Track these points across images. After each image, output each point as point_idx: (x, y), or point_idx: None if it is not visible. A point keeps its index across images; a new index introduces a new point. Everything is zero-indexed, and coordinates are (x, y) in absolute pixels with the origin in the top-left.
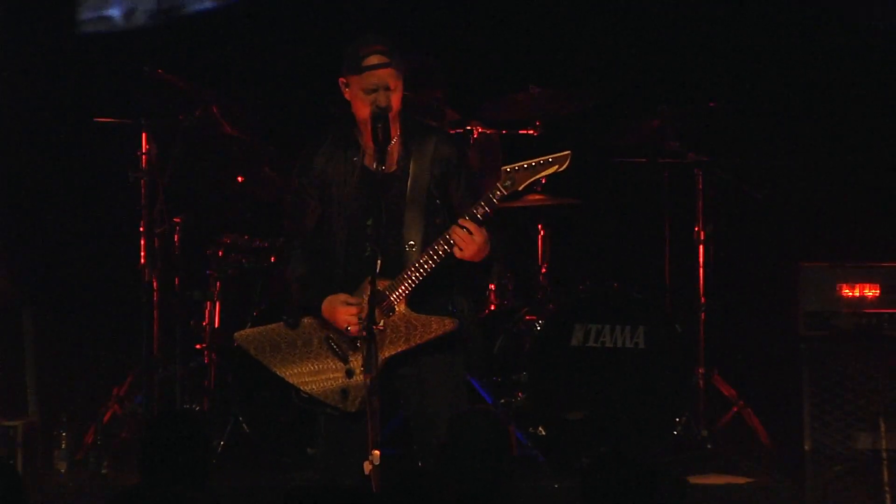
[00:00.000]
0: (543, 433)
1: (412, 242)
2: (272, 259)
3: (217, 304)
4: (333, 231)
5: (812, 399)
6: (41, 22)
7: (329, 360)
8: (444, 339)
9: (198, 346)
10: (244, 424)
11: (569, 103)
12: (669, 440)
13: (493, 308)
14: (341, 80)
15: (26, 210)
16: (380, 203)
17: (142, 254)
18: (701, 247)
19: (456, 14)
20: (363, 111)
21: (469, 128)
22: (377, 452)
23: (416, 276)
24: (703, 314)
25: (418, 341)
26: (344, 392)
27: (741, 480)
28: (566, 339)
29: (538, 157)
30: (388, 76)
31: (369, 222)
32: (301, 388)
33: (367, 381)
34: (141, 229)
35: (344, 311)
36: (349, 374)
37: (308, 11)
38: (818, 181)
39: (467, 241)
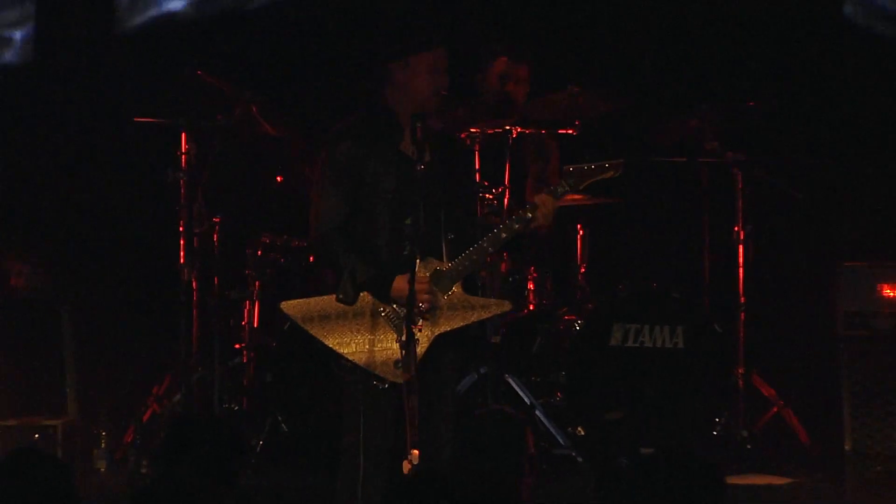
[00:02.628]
0: (582, 433)
1: (451, 236)
2: (310, 259)
3: (256, 303)
4: (375, 218)
5: (852, 399)
6: (82, 22)
7: (380, 332)
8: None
9: (236, 346)
10: (283, 423)
11: (608, 103)
12: (709, 440)
13: (531, 308)
14: (396, 62)
15: (67, 209)
16: (419, 201)
17: (181, 253)
18: (740, 246)
19: (495, 14)
20: (419, 95)
21: (507, 128)
22: (416, 452)
23: (476, 261)
24: (742, 314)
25: (475, 319)
26: (396, 363)
27: (781, 481)
28: (605, 339)
29: (596, 161)
30: (447, 59)
31: (408, 221)
32: (349, 357)
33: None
34: (180, 229)
35: (422, 293)
36: (401, 345)
37: (350, 11)
38: (858, 180)
39: (549, 210)
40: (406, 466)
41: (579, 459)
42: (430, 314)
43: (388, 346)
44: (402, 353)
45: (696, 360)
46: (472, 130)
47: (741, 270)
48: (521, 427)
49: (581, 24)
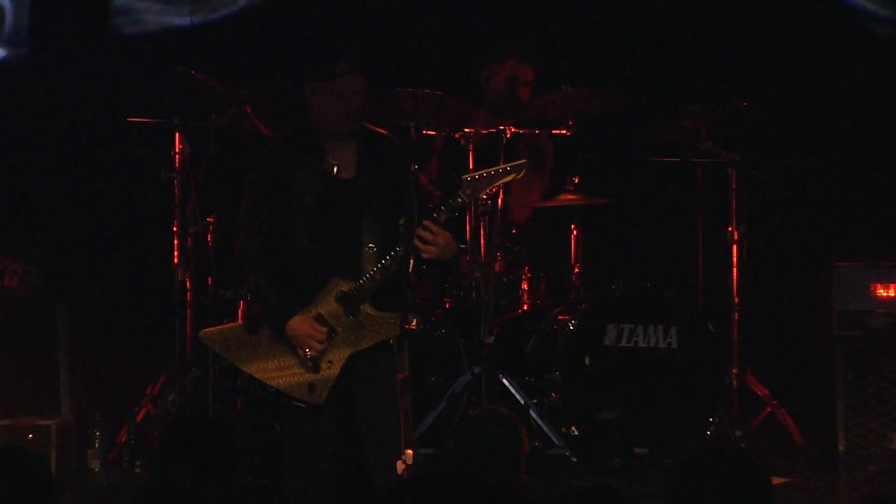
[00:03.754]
0: (576, 433)
1: (371, 245)
2: None
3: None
4: (294, 233)
5: (846, 399)
6: (75, 23)
7: (296, 356)
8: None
9: None
10: (276, 424)
11: (602, 103)
12: (703, 440)
13: (526, 308)
14: (308, 85)
15: (61, 209)
16: (412, 202)
17: (175, 253)
18: (734, 246)
19: (488, 15)
20: (333, 111)
21: (502, 128)
22: (410, 452)
23: (378, 279)
24: (736, 314)
25: (384, 337)
26: (311, 386)
27: (775, 480)
28: (599, 338)
29: (495, 165)
30: (360, 82)
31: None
32: (267, 382)
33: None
34: (174, 229)
35: (311, 341)
36: (315, 368)
37: (339, 10)
38: (852, 180)
39: (432, 241)
40: (400, 466)
41: (573, 459)
42: (314, 361)
43: (301, 369)
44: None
45: (690, 360)
46: (465, 130)
47: (735, 270)
48: (516, 426)
49: (575, 23)
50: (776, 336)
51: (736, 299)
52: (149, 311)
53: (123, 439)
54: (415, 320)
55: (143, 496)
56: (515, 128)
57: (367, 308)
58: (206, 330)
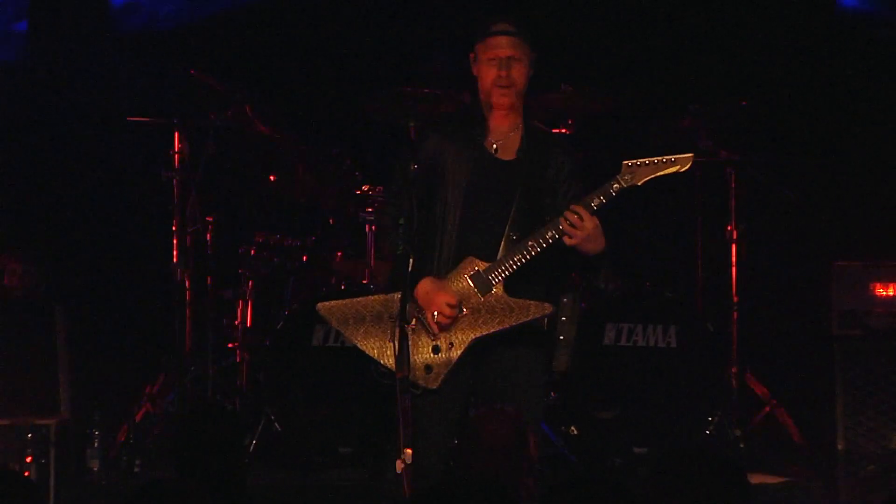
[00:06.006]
0: (575, 432)
1: (515, 235)
2: (304, 258)
3: (249, 302)
4: (447, 208)
5: (845, 398)
6: (75, 21)
7: (414, 336)
8: (537, 336)
9: (230, 345)
10: (276, 423)
11: (601, 102)
12: (702, 439)
13: None
14: (471, 54)
15: (60, 208)
16: (412, 195)
17: (174, 252)
18: (733, 246)
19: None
20: (487, 79)
21: None
22: (409, 451)
23: (517, 260)
24: (735, 313)
25: (513, 323)
26: (428, 368)
27: (774, 480)
28: (598, 338)
29: (661, 155)
30: (512, 45)
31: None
32: (382, 361)
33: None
34: (173, 228)
35: (444, 305)
36: (435, 350)
37: (342, 10)
38: (851, 179)
39: (578, 226)
40: (399, 466)
41: (572, 459)
42: (446, 329)
43: (420, 349)
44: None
45: (689, 360)
46: None
47: (734, 270)
48: (522, 428)
49: (574, 23)
50: (775, 335)
51: (735, 298)
52: (148, 310)
53: (123, 439)
54: (564, 362)
55: (134, 493)
56: None
57: (500, 291)
58: (325, 303)
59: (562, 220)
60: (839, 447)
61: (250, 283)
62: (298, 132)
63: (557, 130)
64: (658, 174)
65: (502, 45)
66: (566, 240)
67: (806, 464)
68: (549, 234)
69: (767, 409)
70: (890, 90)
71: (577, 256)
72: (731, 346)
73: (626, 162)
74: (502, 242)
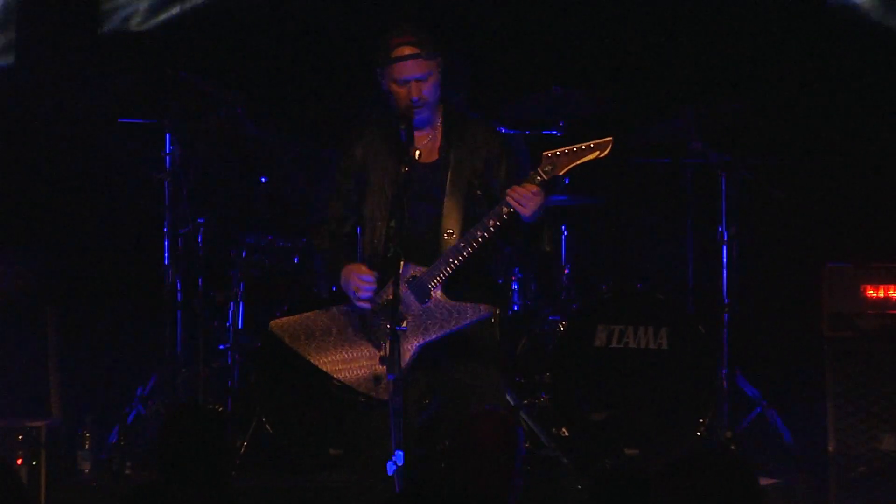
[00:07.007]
0: (566, 434)
1: (451, 231)
2: (295, 260)
3: (240, 304)
4: (374, 218)
5: (836, 400)
6: (65, 22)
7: (363, 348)
8: (481, 343)
9: (221, 347)
10: (267, 425)
11: (591, 104)
12: (693, 441)
13: (516, 309)
14: (377, 70)
15: (51, 210)
16: (402, 203)
17: (165, 254)
18: (724, 247)
19: (478, 14)
20: (399, 100)
21: None
22: (401, 453)
23: (454, 262)
24: (726, 315)
25: (453, 327)
26: (376, 379)
27: (765, 481)
28: (589, 340)
29: (580, 142)
30: (417, 66)
31: (392, 223)
32: (334, 375)
33: (391, 381)
34: (164, 230)
35: (357, 278)
36: (382, 360)
37: (333, 9)
38: (843, 182)
39: (528, 197)
40: (389, 468)
41: (564, 461)
42: (393, 339)
43: (368, 361)
44: (387, 356)
45: (680, 361)
46: None
47: (725, 271)
48: (512, 428)
49: (565, 24)
50: (766, 337)
51: (726, 300)
52: (139, 312)
53: (114, 441)
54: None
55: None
56: (504, 129)
57: (439, 295)
58: (276, 320)
59: (509, 197)
60: (830, 449)
61: (241, 285)
62: (290, 133)
63: (548, 132)
64: (579, 161)
65: (407, 69)
66: (520, 209)
67: (797, 466)
68: (488, 226)
69: (758, 410)
70: (883, 90)
71: (521, 228)
72: (722, 348)
73: (545, 153)
74: (440, 243)
